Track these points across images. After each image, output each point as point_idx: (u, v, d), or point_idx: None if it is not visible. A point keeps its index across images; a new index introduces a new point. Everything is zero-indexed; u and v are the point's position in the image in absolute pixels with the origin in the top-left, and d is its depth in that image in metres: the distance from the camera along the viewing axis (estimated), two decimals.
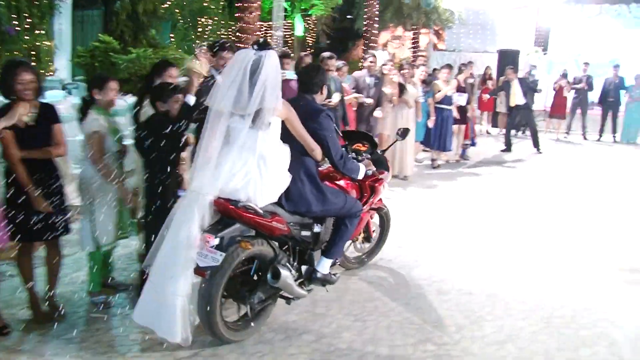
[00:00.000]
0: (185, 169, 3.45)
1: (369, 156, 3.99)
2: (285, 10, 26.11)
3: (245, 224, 2.96)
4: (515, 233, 5.41)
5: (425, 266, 4.43)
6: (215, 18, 24.58)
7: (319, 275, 3.42)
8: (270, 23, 28.48)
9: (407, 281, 4.15)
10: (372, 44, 17.55)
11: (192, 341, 2.85)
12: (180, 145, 3.32)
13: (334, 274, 3.57)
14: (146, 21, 10.32)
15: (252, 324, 3.14)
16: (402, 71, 7.80)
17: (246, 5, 10.82)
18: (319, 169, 3.46)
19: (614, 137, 12.60)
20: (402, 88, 7.42)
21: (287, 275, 3.07)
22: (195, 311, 2.90)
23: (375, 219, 4.34)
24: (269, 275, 3.02)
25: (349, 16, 19.00)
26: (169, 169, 3.25)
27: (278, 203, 3.11)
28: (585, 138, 12.73)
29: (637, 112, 12.20)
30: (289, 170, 3.08)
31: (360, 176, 3.56)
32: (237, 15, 11.79)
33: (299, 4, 28.00)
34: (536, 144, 10.68)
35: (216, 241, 2.84)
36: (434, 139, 8.46)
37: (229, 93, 2.81)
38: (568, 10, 17.80)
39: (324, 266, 3.44)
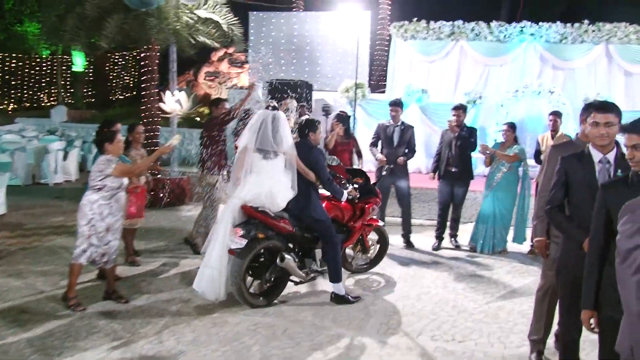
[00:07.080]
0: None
1: (356, 186, 5.20)
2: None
3: (261, 222, 4.43)
4: None
5: None
6: None
7: (334, 296, 4.69)
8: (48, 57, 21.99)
9: None
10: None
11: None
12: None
13: (354, 297, 4.74)
14: None
15: (264, 297, 4.59)
16: None
17: None
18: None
19: (453, 240, 6.80)
20: None
21: (290, 259, 4.53)
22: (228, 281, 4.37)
23: (374, 236, 5.50)
24: (278, 259, 4.51)
25: None
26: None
27: (287, 210, 4.58)
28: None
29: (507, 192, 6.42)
30: (299, 187, 4.57)
31: (343, 198, 4.92)
32: None
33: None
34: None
35: (242, 232, 4.31)
36: None
37: (255, 136, 4.47)
38: (410, 31, 12.48)
39: (338, 289, 4.69)
